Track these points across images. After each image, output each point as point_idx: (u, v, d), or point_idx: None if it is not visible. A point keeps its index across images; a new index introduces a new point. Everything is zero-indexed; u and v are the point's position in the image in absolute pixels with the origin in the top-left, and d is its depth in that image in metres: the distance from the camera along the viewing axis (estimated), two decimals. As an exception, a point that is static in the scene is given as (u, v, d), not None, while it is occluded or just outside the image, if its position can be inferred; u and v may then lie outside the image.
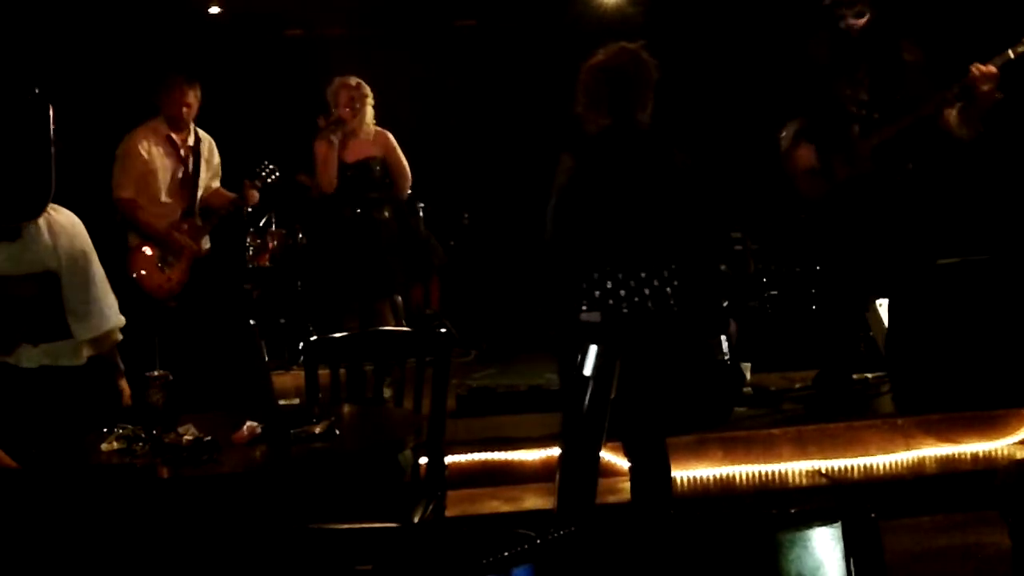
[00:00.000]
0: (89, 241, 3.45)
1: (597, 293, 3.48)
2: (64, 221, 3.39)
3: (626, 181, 3.53)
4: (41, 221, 3.33)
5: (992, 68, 4.41)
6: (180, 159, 5.39)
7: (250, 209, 6.00)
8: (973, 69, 4.43)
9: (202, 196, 5.49)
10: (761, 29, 6.96)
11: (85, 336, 3.38)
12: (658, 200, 3.54)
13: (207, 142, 5.54)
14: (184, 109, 5.35)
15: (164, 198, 5.36)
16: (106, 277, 3.49)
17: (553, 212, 3.62)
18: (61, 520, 2.75)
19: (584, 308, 3.50)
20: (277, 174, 5.70)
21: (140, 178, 5.31)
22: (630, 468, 3.65)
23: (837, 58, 4.81)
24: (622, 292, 3.46)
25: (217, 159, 5.60)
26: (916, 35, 4.75)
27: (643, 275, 3.47)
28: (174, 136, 5.39)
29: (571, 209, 3.57)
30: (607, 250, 3.51)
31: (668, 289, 3.50)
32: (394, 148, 5.53)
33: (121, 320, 3.48)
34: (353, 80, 5.49)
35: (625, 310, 3.45)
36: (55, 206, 3.40)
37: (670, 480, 3.67)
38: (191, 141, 5.44)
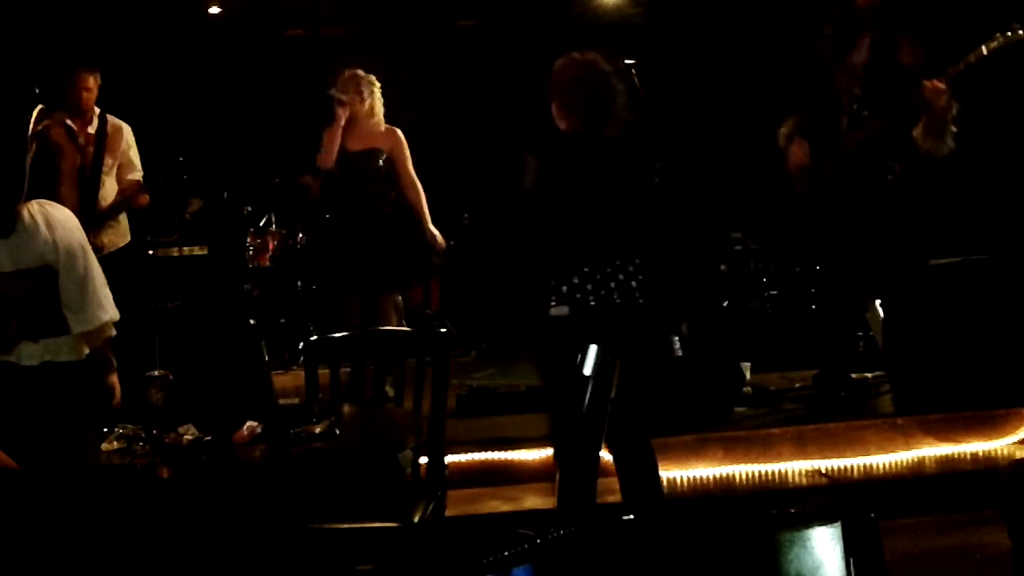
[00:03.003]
0: (84, 236, 3.46)
1: (564, 288, 3.53)
2: (60, 216, 3.40)
3: (591, 183, 3.59)
4: (38, 216, 3.34)
5: (940, 84, 4.41)
6: (77, 147, 5.29)
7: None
8: (926, 84, 4.44)
9: (120, 189, 5.40)
10: (760, 28, 6.97)
11: (81, 329, 3.38)
12: (622, 200, 3.60)
13: (118, 130, 5.43)
14: (84, 94, 5.28)
15: (63, 187, 5.20)
16: (101, 271, 3.49)
17: (520, 212, 3.69)
18: (61, 520, 2.75)
19: (552, 303, 3.55)
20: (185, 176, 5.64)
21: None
22: (616, 467, 3.64)
23: (836, 55, 4.80)
24: (589, 286, 3.52)
25: (125, 146, 5.45)
26: (920, 32, 4.73)
27: (608, 270, 3.54)
28: (72, 124, 5.31)
29: (537, 209, 3.63)
30: (573, 247, 3.56)
31: (633, 283, 3.57)
32: (403, 149, 5.55)
33: (116, 314, 3.48)
34: (360, 71, 5.56)
35: (592, 303, 3.50)
36: (50, 202, 3.42)
37: (658, 478, 3.70)
38: (92, 129, 5.35)
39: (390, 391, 4.45)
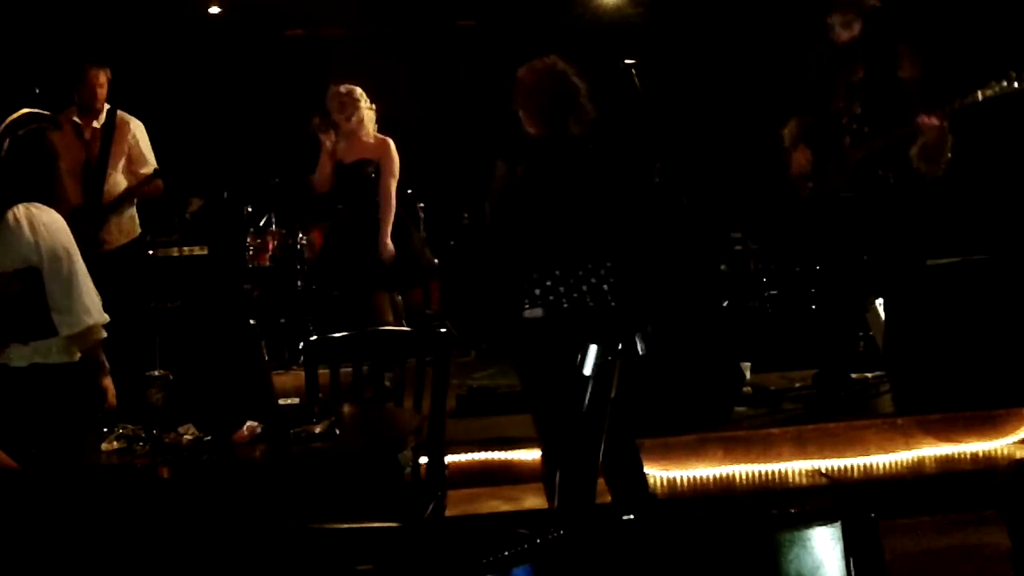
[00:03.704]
0: (71, 239, 3.49)
1: (537, 291, 3.57)
2: (46, 219, 3.44)
3: (559, 187, 3.64)
4: (23, 219, 3.39)
5: (935, 121, 4.42)
6: (82, 144, 5.30)
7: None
8: (923, 119, 4.45)
9: (128, 183, 5.40)
10: (761, 28, 6.97)
11: (68, 332, 3.40)
12: (591, 203, 3.64)
13: (125, 124, 5.43)
14: (99, 91, 5.32)
15: (65, 183, 5.23)
16: (88, 275, 3.50)
17: (491, 217, 3.75)
18: (61, 520, 2.75)
19: (526, 306, 3.59)
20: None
21: None
22: (602, 468, 3.66)
23: (829, 72, 4.81)
24: (561, 288, 3.56)
25: (133, 140, 5.44)
26: (918, 45, 4.72)
27: (580, 272, 3.58)
28: (79, 120, 5.32)
29: (508, 214, 3.69)
30: (544, 250, 3.61)
31: (605, 286, 3.61)
32: (390, 163, 5.59)
33: (104, 317, 3.50)
34: (344, 87, 5.59)
35: (566, 305, 3.54)
36: (37, 205, 3.45)
37: (643, 475, 3.74)
38: (97, 124, 5.37)
39: (388, 383, 4.47)
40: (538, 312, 3.56)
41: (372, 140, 5.62)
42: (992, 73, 4.41)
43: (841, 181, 4.83)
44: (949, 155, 4.56)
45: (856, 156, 4.78)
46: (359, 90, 5.60)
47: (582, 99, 3.68)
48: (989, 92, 4.38)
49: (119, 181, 5.39)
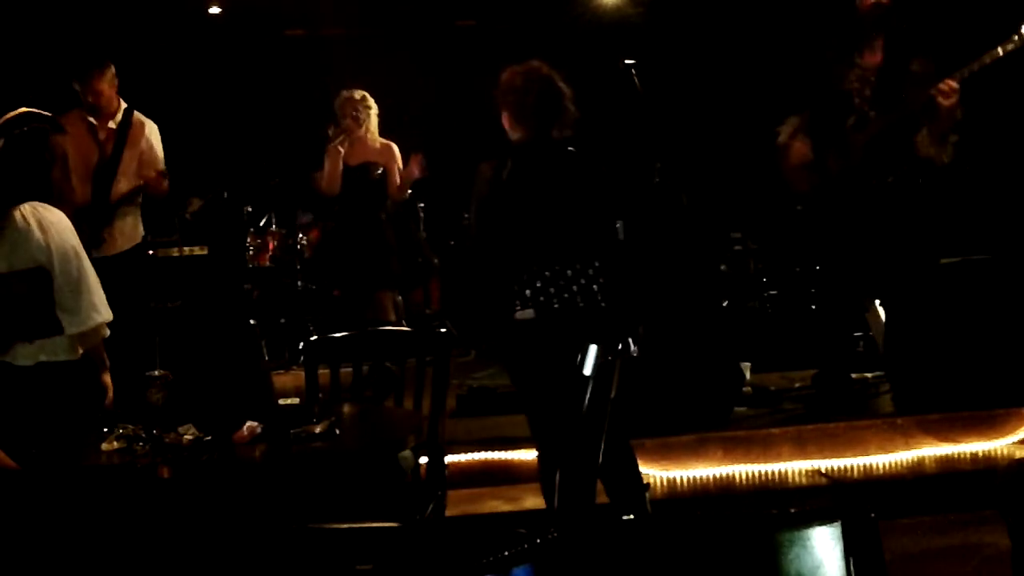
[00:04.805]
0: (77, 238, 3.49)
1: (528, 292, 3.60)
2: (53, 219, 3.44)
3: (544, 189, 3.67)
4: (31, 218, 3.38)
5: (953, 83, 4.38)
6: (96, 144, 5.27)
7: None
8: (936, 87, 4.41)
9: (136, 185, 5.35)
10: (761, 28, 6.97)
11: (75, 330, 3.40)
12: (577, 204, 3.68)
13: (140, 125, 5.39)
14: (90, 98, 5.25)
15: (73, 182, 5.20)
16: (95, 273, 3.51)
17: (477, 220, 3.76)
18: (61, 520, 2.75)
19: (517, 307, 3.61)
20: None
21: None
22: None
23: (845, 58, 4.79)
24: (552, 289, 3.59)
25: (148, 144, 5.40)
26: (932, 51, 4.70)
27: (569, 273, 3.61)
28: (93, 120, 5.28)
29: (495, 216, 3.71)
30: (532, 252, 3.64)
31: (594, 286, 3.64)
32: (395, 167, 5.81)
33: (109, 315, 3.50)
34: (358, 93, 5.76)
35: (556, 306, 3.57)
36: (44, 205, 3.44)
37: (639, 473, 3.76)
38: (113, 124, 5.32)
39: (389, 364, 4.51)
40: (529, 313, 3.59)
41: (378, 145, 5.79)
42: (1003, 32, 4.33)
43: (842, 163, 4.80)
44: (955, 139, 4.52)
45: (859, 140, 4.74)
46: (369, 96, 5.76)
47: (567, 103, 3.72)
48: (1010, 46, 4.30)
49: (128, 183, 5.35)
